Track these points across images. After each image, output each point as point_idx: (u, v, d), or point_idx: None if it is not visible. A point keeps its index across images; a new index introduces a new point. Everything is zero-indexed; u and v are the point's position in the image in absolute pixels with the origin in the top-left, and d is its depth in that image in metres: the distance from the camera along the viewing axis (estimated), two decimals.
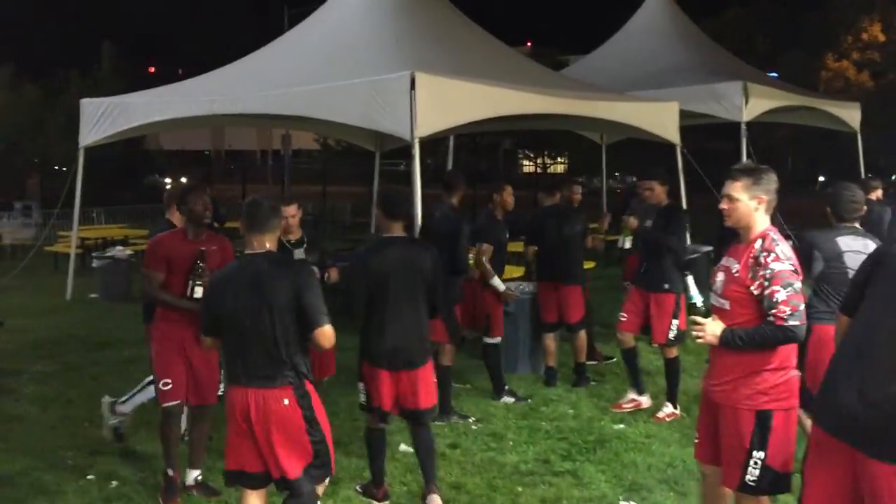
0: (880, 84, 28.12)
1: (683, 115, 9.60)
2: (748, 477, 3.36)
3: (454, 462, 5.19)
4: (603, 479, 4.90)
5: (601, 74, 10.90)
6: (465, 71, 7.10)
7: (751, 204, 3.38)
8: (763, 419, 3.34)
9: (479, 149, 26.21)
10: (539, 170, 37.85)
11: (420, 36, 7.82)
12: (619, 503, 4.61)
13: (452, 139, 11.99)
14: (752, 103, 10.06)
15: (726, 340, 3.34)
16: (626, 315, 6.08)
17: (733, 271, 3.38)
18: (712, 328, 3.37)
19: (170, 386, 4.48)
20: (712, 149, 14.87)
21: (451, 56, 7.56)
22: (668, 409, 6.02)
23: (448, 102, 6.56)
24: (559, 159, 37.73)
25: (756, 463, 3.35)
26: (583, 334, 6.84)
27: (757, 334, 3.29)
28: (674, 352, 6.07)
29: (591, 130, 13.28)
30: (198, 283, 4.40)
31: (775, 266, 3.27)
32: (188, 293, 4.42)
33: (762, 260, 3.29)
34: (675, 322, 5.92)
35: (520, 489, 4.76)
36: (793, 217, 10.08)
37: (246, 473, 3.59)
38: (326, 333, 3.52)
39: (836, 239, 4.48)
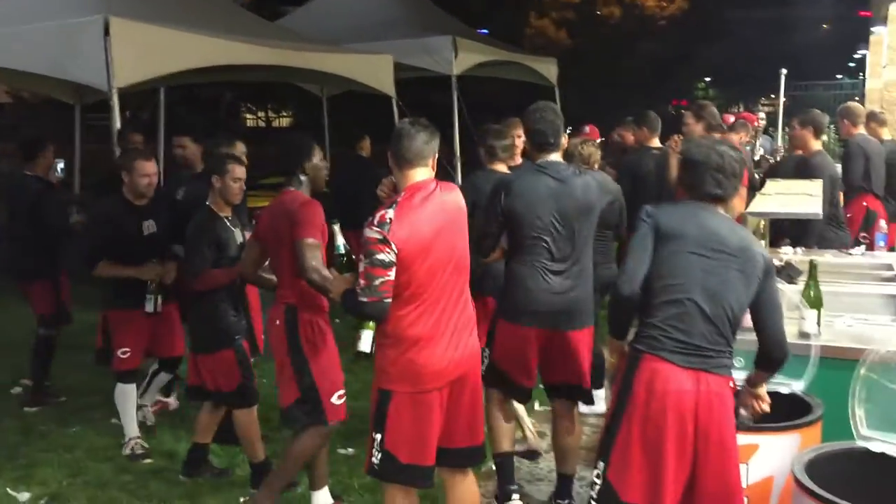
0: (575, 41, 30.63)
1: (399, 67, 9.81)
2: (373, 460, 3.22)
3: None
4: None
5: (318, 26, 10.77)
6: (170, 18, 6.66)
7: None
8: (381, 399, 3.22)
9: (198, 101, 24.92)
10: (263, 124, 36.96)
11: None
12: None
13: (163, 91, 11.26)
14: (461, 57, 10.51)
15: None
16: None
17: None
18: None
19: None
20: (429, 101, 15.35)
21: (154, 1, 7.06)
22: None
23: (149, 50, 6.12)
24: (283, 113, 37.02)
25: (376, 446, 3.19)
26: None
27: (345, 301, 3.26)
28: None
29: (310, 83, 13.14)
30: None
31: (366, 232, 3.10)
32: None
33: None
34: None
35: None
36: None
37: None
38: None
39: None
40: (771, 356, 2.85)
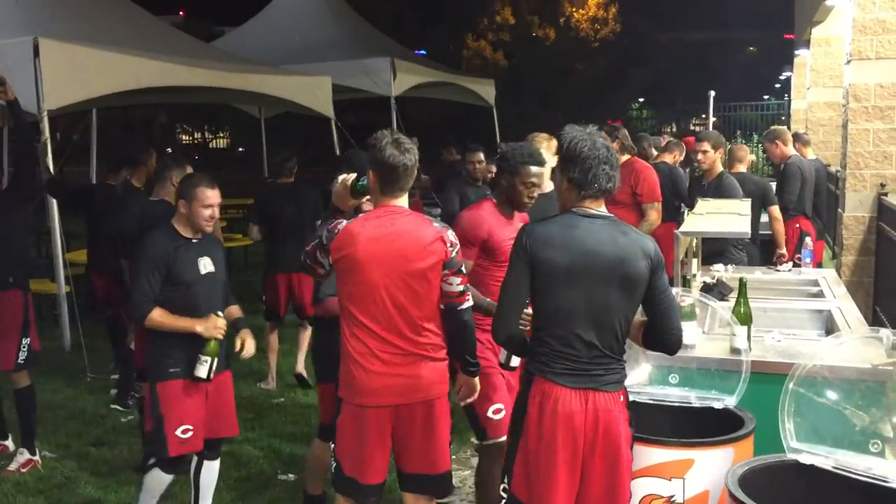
0: (512, 63, 31.08)
1: (338, 89, 9.83)
2: (332, 469, 3.34)
3: None
4: None
5: (254, 47, 10.74)
6: (102, 39, 6.57)
7: None
8: (338, 405, 3.38)
9: (132, 122, 24.52)
10: (200, 143, 36.49)
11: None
12: None
13: (95, 112, 11.06)
14: (399, 79, 10.60)
15: None
16: None
17: None
18: None
19: None
20: (370, 122, 15.41)
21: (85, 22, 6.96)
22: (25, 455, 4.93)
23: (80, 72, 6.03)
24: (220, 133, 36.63)
25: (332, 453, 3.36)
26: None
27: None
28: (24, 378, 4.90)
29: (248, 104, 13.08)
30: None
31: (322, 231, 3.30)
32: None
33: None
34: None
35: None
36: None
37: None
38: None
39: None
40: (664, 346, 2.91)
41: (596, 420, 2.77)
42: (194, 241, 3.87)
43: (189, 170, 4.94)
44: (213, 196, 3.82)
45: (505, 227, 3.77)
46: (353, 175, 3.40)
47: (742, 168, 6.78)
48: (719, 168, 6.14)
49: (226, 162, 30.52)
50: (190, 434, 3.79)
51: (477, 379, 3.47)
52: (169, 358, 3.77)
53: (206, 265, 3.87)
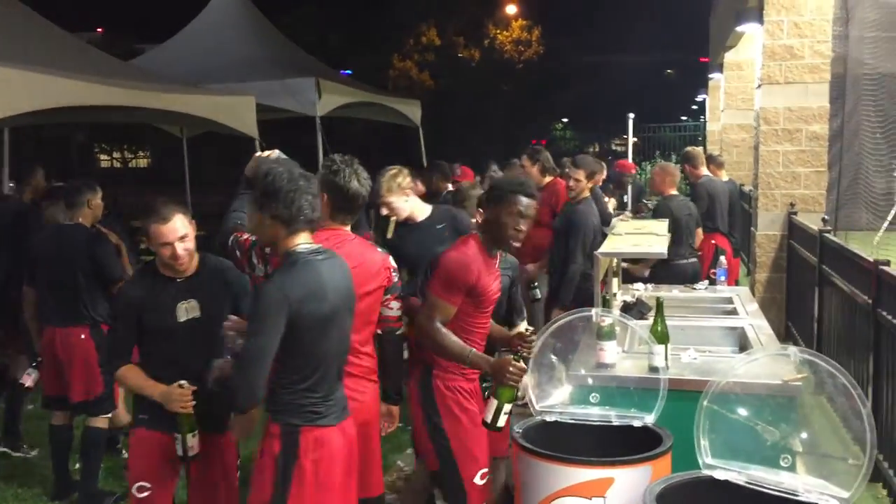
0: (438, 83, 31.32)
1: (262, 108, 9.72)
2: None
3: None
4: None
5: (175, 65, 10.54)
6: (15, 57, 6.34)
7: None
8: None
9: (46, 142, 23.76)
10: (119, 164, 35.59)
11: None
12: None
13: (8, 132, 10.67)
14: (324, 99, 10.53)
15: None
16: None
17: None
18: None
19: None
20: (296, 142, 15.28)
21: None
22: None
23: None
24: (140, 153, 35.82)
25: None
26: None
27: None
28: None
29: (168, 123, 12.80)
30: None
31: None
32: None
33: None
34: None
35: None
36: None
37: None
38: None
39: None
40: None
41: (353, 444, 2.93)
42: (178, 280, 3.27)
43: (98, 191, 4.85)
44: (168, 233, 3.18)
45: (492, 270, 3.42)
46: None
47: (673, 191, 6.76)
48: (585, 195, 5.92)
49: (148, 182, 29.86)
50: (147, 494, 3.23)
51: (398, 408, 3.45)
52: (142, 401, 3.29)
53: (188, 310, 3.25)
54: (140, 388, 3.24)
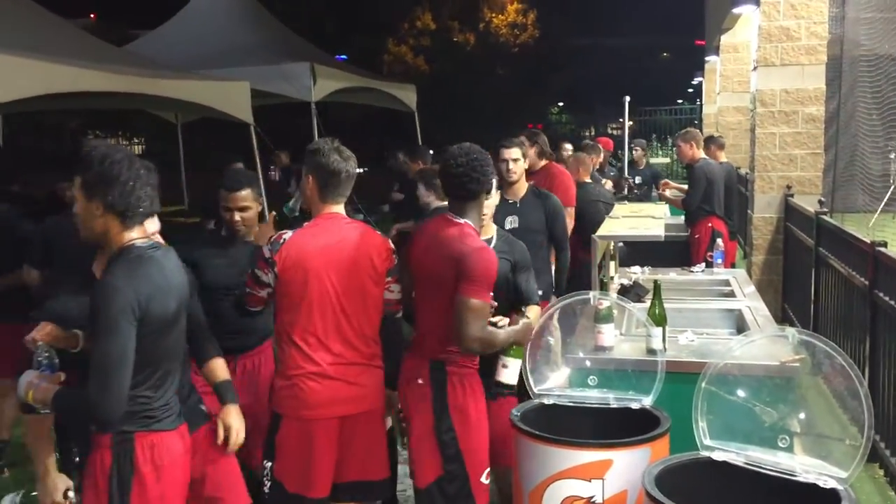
0: (433, 68, 31.21)
1: (256, 94, 9.69)
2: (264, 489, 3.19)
3: None
4: None
5: (170, 51, 10.51)
6: (9, 43, 6.31)
7: None
8: (272, 423, 3.19)
9: (42, 129, 23.63)
10: None
11: None
12: None
13: (1, 118, 10.65)
14: (319, 84, 10.51)
15: None
16: None
17: None
18: None
19: None
20: (291, 126, 15.22)
21: None
22: None
23: None
24: (135, 140, 35.67)
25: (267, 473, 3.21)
26: None
27: None
28: None
29: (163, 109, 12.77)
30: None
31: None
32: None
33: None
34: None
35: None
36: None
37: None
38: None
39: None
40: None
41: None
42: None
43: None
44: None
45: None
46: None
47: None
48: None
49: None
50: None
51: (396, 394, 3.41)
52: None
53: None
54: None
